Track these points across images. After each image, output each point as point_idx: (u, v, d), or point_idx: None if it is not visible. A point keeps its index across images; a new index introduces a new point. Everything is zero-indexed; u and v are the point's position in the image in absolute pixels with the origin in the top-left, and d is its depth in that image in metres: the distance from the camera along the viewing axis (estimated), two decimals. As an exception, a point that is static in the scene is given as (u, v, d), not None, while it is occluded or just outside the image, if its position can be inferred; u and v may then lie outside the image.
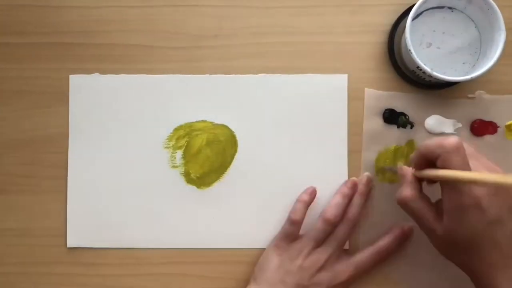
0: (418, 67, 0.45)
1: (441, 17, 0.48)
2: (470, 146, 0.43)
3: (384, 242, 0.48)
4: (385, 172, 0.49)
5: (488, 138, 0.50)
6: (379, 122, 0.50)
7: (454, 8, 0.48)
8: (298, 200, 0.49)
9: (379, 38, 0.50)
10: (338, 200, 0.48)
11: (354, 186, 0.49)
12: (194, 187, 0.50)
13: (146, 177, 0.50)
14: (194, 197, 0.50)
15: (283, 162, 0.50)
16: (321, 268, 0.47)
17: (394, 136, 0.50)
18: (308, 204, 0.49)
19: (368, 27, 0.50)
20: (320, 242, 0.47)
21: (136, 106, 0.51)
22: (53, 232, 0.50)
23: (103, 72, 0.51)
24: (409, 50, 0.45)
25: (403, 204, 0.43)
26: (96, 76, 0.51)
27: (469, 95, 0.50)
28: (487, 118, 0.50)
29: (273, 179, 0.50)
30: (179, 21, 0.51)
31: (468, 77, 0.44)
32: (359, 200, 0.48)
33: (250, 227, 0.50)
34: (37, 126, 0.51)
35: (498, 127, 0.50)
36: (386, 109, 0.50)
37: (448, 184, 0.40)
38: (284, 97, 0.50)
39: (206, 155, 0.50)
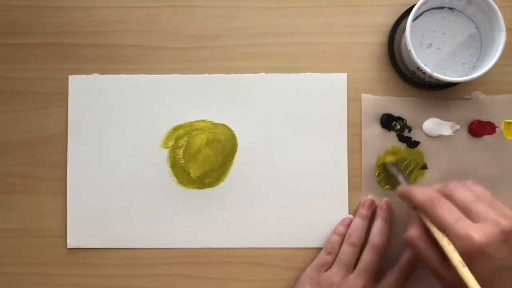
0: (418, 67, 0.45)
1: (441, 18, 0.48)
2: (487, 191, 0.40)
3: (405, 259, 0.47)
4: (388, 170, 0.49)
5: (486, 138, 0.50)
6: (376, 127, 0.50)
7: (454, 9, 0.48)
8: (335, 233, 0.49)
9: (379, 38, 0.50)
10: (358, 222, 0.48)
11: (371, 206, 0.49)
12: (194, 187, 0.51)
13: (146, 177, 0.50)
14: (194, 196, 0.50)
15: (283, 161, 0.50)
16: None
17: (392, 140, 0.50)
18: (344, 235, 0.49)
19: (368, 28, 0.50)
20: (350, 267, 0.47)
21: (135, 106, 0.51)
22: (52, 232, 0.50)
23: (103, 72, 0.51)
24: (409, 50, 0.45)
25: (409, 243, 0.42)
26: (95, 76, 0.51)
27: (465, 96, 0.50)
28: (484, 118, 0.50)
29: (273, 178, 0.50)
30: (179, 21, 0.51)
31: (468, 77, 0.44)
32: (384, 228, 0.48)
33: (250, 227, 0.50)
34: (36, 126, 0.51)
35: (496, 127, 0.50)
36: (383, 114, 0.50)
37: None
38: (284, 96, 0.50)
39: (206, 155, 0.50)
